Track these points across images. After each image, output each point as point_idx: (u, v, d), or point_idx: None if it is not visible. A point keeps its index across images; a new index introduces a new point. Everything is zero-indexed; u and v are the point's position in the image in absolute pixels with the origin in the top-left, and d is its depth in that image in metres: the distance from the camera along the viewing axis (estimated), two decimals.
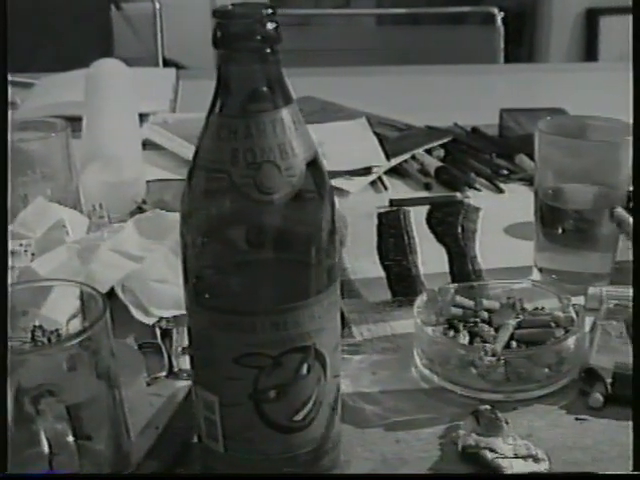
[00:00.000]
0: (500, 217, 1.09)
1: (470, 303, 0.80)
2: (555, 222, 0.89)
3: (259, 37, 0.51)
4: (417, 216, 1.09)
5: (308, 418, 0.58)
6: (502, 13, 2.32)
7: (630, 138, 0.86)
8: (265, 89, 0.52)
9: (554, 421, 0.70)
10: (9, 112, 0.72)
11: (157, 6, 2.55)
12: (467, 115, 1.47)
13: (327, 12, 3.22)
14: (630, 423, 0.69)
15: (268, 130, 0.52)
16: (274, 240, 0.53)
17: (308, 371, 0.56)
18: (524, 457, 0.64)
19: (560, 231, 0.89)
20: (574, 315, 0.77)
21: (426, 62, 2.06)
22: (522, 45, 3.66)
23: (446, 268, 0.96)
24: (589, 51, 3.50)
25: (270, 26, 0.52)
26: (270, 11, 0.52)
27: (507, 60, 2.39)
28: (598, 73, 2.13)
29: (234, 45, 0.52)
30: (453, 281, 0.92)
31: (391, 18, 3.10)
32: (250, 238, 0.53)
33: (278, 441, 0.58)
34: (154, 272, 0.82)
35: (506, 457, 0.64)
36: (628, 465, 0.64)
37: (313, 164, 0.54)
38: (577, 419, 0.70)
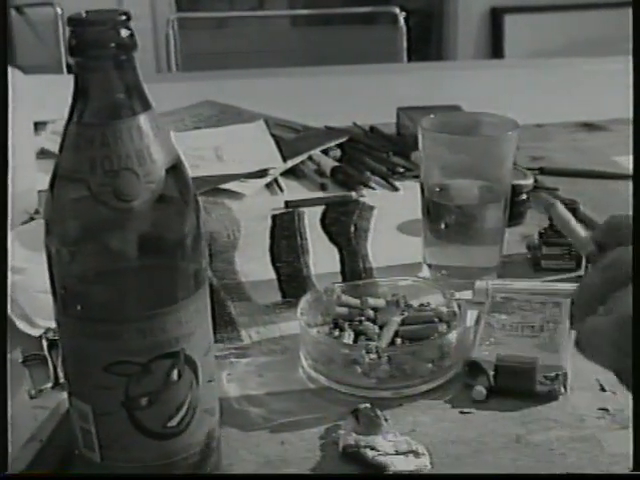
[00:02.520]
0: (394, 215, 1.10)
1: (356, 302, 0.81)
2: (439, 218, 0.90)
3: (113, 44, 0.51)
4: (312, 217, 1.10)
5: (183, 424, 0.58)
6: (404, 13, 2.34)
7: (512, 133, 0.88)
8: (122, 96, 0.52)
9: (438, 415, 0.71)
10: None
11: (59, 11, 2.52)
12: (367, 114, 1.48)
13: (242, 14, 3.22)
14: (512, 414, 0.71)
15: (125, 137, 0.52)
16: (136, 247, 0.53)
17: (179, 377, 0.56)
18: (405, 453, 0.65)
19: (443, 226, 0.90)
20: (457, 310, 0.78)
21: (337, 62, 2.08)
22: (430, 44, 3.70)
23: (338, 268, 0.96)
24: (495, 49, 3.56)
25: (124, 33, 0.51)
26: (124, 18, 0.51)
27: (417, 59, 2.42)
28: (502, 70, 2.15)
29: (89, 53, 0.52)
30: (344, 280, 0.92)
31: (305, 19, 3.12)
32: (112, 246, 0.53)
33: (153, 448, 0.58)
34: (38, 282, 0.80)
35: (387, 454, 0.64)
36: (511, 455, 0.66)
37: (174, 170, 0.54)
38: (461, 412, 0.71)
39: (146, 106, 0.53)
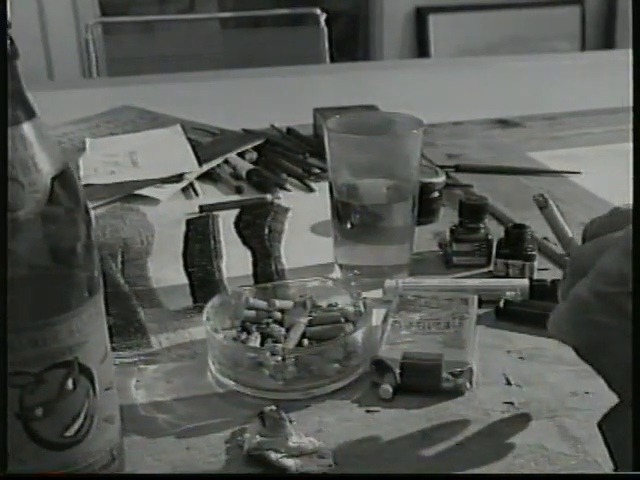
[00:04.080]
0: (308, 216, 1.10)
1: (263, 304, 0.81)
2: (347, 218, 0.90)
3: None
4: (227, 220, 1.10)
5: (80, 433, 0.57)
6: (325, 14, 2.36)
7: (416, 131, 0.88)
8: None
9: (345, 415, 0.71)
10: None
11: None
12: (287, 116, 1.49)
13: (171, 17, 3.21)
14: (419, 411, 0.71)
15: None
16: (25, 257, 0.53)
17: (74, 386, 0.56)
18: (309, 454, 0.65)
19: (349, 226, 0.90)
20: (363, 309, 0.79)
21: (266, 64, 2.08)
22: (358, 45, 3.72)
23: (251, 271, 0.96)
24: (421, 48, 3.59)
25: None
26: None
27: (344, 60, 2.44)
28: (424, 69, 2.18)
29: None
30: (256, 283, 0.92)
31: (235, 21, 3.11)
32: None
33: (52, 459, 0.57)
34: None
35: (291, 456, 0.64)
36: (416, 453, 0.66)
37: (61, 178, 0.53)
38: (368, 411, 0.72)
39: (30, 114, 0.52)
